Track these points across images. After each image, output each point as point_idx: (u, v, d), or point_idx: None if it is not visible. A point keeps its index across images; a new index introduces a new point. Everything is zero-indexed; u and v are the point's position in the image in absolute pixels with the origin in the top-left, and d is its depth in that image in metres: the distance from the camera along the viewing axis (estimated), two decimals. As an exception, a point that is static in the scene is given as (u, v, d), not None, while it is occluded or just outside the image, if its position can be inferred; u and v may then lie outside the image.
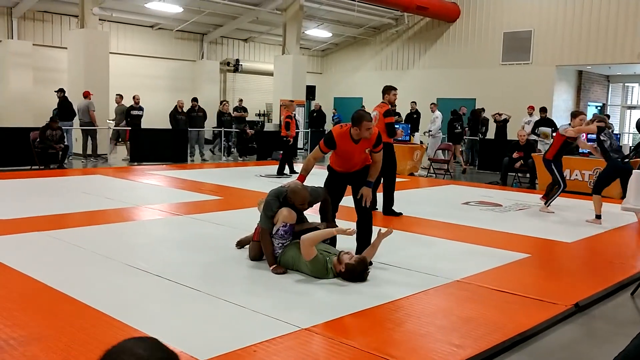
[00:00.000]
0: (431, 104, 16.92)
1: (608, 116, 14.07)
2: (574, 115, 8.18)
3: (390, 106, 7.91)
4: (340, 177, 5.41)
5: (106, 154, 14.40)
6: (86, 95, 13.99)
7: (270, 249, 4.87)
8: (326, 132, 13.68)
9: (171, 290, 4.33)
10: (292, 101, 13.87)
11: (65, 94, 14.10)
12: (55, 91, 14.18)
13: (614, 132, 14.93)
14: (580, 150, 11.19)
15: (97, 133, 14.23)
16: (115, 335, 3.43)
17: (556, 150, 8.26)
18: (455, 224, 7.34)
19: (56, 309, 3.85)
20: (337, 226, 5.21)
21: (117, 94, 15.03)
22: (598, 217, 7.65)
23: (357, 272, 4.61)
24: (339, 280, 4.63)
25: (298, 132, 17.65)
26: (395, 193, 9.68)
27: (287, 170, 12.32)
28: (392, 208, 7.86)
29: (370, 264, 5.08)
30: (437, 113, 16.28)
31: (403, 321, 3.90)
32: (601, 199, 7.62)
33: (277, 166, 12.39)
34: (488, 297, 4.49)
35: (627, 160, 10.10)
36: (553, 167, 8.31)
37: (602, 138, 7.38)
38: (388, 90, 7.95)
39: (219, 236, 6.20)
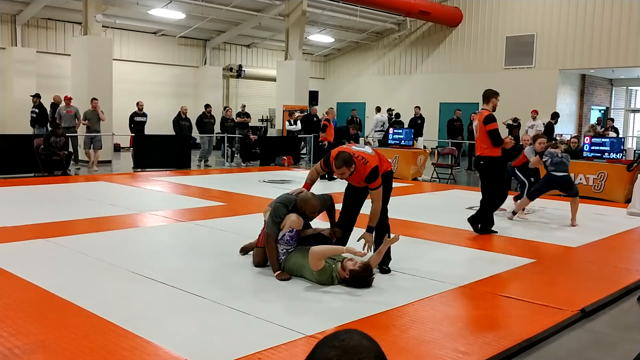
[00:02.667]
0: (376, 107, 18.65)
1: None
2: (535, 139, 8.25)
3: (492, 112, 6.91)
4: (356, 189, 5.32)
5: (110, 161, 14.43)
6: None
7: (275, 254, 4.86)
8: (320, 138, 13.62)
9: (175, 297, 4.32)
10: (332, 108, 14.12)
11: (41, 100, 14.12)
12: (31, 96, 14.17)
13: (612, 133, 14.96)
14: (585, 154, 11.15)
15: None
16: (120, 343, 3.42)
17: (520, 164, 8.40)
18: (459, 229, 7.30)
19: (60, 317, 3.84)
20: (340, 231, 5.19)
21: (92, 98, 13.87)
22: (514, 213, 8.05)
23: (361, 278, 4.59)
24: (344, 286, 4.62)
25: (298, 134, 17.66)
26: (399, 198, 9.67)
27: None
28: (491, 228, 7.01)
29: (388, 271, 5.07)
30: (377, 116, 18.10)
31: (408, 327, 3.88)
32: (528, 203, 8.07)
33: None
34: (493, 302, 4.46)
35: (632, 166, 10.11)
36: (517, 171, 8.42)
37: (543, 159, 7.81)
38: (493, 95, 6.88)
39: (223, 242, 6.19)
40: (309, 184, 5.20)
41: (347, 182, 5.39)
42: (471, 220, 7.04)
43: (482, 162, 6.94)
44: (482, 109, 7.01)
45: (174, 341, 3.46)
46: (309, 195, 4.99)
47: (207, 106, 16.10)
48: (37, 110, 13.95)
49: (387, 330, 3.82)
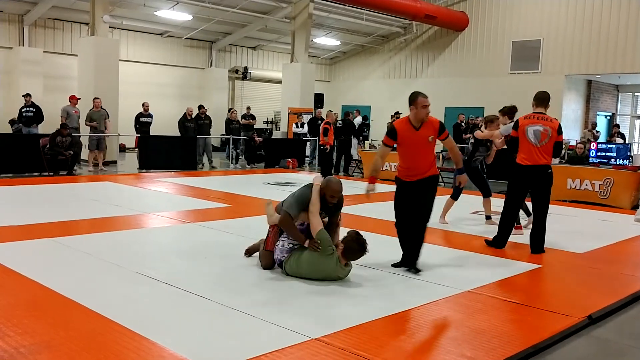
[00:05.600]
0: (355, 110, 18.83)
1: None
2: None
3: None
4: (409, 188, 5.32)
5: (116, 161, 14.43)
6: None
7: (296, 230, 4.90)
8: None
9: (180, 299, 4.31)
10: (331, 111, 14.13)
11: (32, 99, 14.18)
12: (23, 95, 14.23)
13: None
14: (591, 160, 11.12)
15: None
16: (125, 343, 3.42)
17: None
18: (465, 234, 7.30)
19: (66, 317, 3.84)
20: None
21: (95, 98, 13.89)
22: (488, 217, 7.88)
23: (352, 238, 4.71)
24: (349, 289, 4.61)
25: (303, 139, 17.67)
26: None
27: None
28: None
29: (419, 270, 5.21)
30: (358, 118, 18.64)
31: (414, 332, 3.87)
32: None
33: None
34: (499, 308, 4.44)
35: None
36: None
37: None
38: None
39: (227, 244, 6.18)
40: (373, 176, 5.29)
41: (395, 190, 5.37)
42: (539, 247, 6.30)
43: (550, 172, 6.24)
44: (541, 112, 6.30)
45: (179, 343, 3.45)
46: (333, 180, 4.98)
47: (200, 107, 16.03)
48: (33, 110, 14.02)
49: (393, 334, 3.80)
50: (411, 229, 5.26)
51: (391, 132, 5.28)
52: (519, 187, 6.37)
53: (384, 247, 5.74)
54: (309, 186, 5.04)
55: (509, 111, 7.53)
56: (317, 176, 5.30)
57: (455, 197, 7.94)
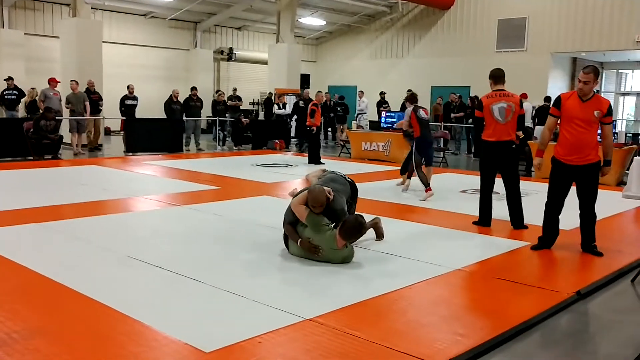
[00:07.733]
0: (359, 92, 19.55)
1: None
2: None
3: None
4: (566, 172, 5.30)
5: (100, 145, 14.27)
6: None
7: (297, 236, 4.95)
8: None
9: (172, 282, 4.30)
10: (320, 92, 13.99)
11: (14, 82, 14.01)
12: (5, 79, 14.02)
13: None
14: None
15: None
16: (117, 327, 3.42)
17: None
18: (453, 213, 7.34)
19: (57, 302, 3.83)
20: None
21: (71, 80, 13.63)
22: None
23: (351, 218, 4.76)
24: (342, 270, 4.63)
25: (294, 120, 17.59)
26: (393, 182, 9.69)
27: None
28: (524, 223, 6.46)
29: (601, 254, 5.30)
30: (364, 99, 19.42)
31: (406, 311, 3.90)
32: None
33: (307, 157, 12.55)
34: (490, 285, 4.49)
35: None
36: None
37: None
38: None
39: (218, 226, 6.18)
40: (541, 150, 5.48)
41: (550, 172, 5.39)
42: (519, 222, 6.44)
43: (514, 146, 6.40)
44: (501, 89, 6.40)
45: (172, 325, 3.45)
46: (316, 190, 4.89)
47: (193, 89, 15.93)
48: (16, 92, 13.80)
49: (385, 313, 3.83)
50: (582, 216, 5.40)
51: (556, 102, 5.28)
52: (487, 163, 6.46)
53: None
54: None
55: (411, 98, 8.49)
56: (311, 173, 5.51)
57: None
